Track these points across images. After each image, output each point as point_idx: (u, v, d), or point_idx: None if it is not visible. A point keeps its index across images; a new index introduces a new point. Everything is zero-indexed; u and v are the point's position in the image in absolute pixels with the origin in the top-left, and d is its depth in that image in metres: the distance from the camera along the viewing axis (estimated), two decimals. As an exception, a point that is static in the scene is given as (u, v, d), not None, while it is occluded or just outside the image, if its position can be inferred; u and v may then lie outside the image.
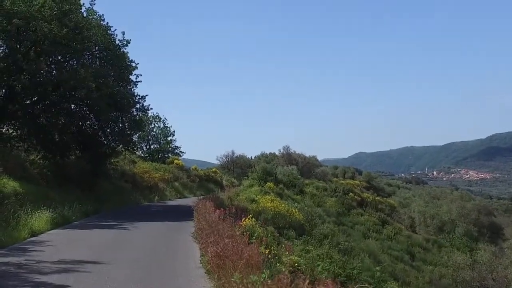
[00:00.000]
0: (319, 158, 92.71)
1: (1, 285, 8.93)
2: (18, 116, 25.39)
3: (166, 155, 58.37)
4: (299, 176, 50.23)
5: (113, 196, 30.41)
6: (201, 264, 11.63)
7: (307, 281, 6.07)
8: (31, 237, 14.93)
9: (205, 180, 58.96)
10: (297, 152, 75.03)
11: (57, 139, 27.69)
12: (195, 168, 62.35)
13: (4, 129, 26.21)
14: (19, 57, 23.39)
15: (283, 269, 10.02)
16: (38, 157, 26.33)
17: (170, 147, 58.73)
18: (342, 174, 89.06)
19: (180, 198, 44.38)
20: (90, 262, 11.42)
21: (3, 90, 25.35)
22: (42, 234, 15.70)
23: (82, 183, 26.98)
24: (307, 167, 70.91)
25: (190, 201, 32.78)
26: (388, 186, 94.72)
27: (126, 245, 14.86)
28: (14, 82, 23.87)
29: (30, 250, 12.92)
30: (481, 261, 28.61)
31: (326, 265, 18.49)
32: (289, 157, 71.01)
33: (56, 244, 13.98)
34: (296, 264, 12.47)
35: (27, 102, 25.97)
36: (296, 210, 30.98)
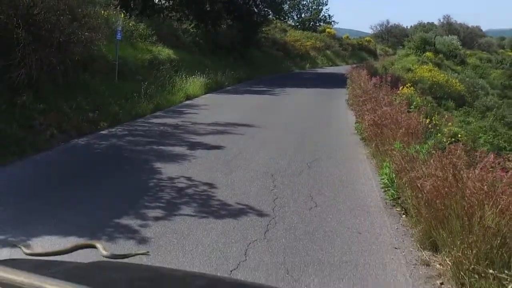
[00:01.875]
0: (483, 28, 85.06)
1: (160, 143, 9.09)
2: (169, -14, 25.65)
3: (318, 24, 56.79)
4: (460, 47, 46.54)
5: (264, 63, 30.38)
6: (356, 131, 11.10)
7: (492, 155, 5.13)
8: (186, 100, 15.23)
9: (357, 49, 57.10)
10: (458, 22, 69.42)
11: (208, 9, 27.74)
12: (347, 37, 60.32)
13: (156, 0, 26.66)
14: None
15: (444, 140, 9.34)
16: (191, 26, 26.64)
17: (321, 15, 56.94)
18: (509, 46, 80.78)
19: (331, 66, 43.56)
20: (243, 125, 11.31)
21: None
22: (196, 98, 15.96)
23: (234, 51, 27.10)
24: (469, 37, 65.67)
25: (342, 69, 31.89)
26: None
27: (279, 110, 14.65)
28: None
29: (185, 112, 13.15)
30: None
31: (489, 137, 16.99)
32: (449, 27, 66.13)
33: (210, 108, 14.12)
34: (459, 135, 11.45)
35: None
36: (456, 81, 29.02)
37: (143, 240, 4.67)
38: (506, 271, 3.64)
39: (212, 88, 18.20)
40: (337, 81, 22.99)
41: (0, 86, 9.05)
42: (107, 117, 10.67)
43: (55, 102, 9.94)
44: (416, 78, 25.53)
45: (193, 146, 8.93)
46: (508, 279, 3.54)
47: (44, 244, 4.43)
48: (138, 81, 13.71)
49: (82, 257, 4.11)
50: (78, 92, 10.91)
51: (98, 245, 4.54)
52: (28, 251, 4.28)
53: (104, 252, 4.47)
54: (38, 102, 9.37)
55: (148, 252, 4.42)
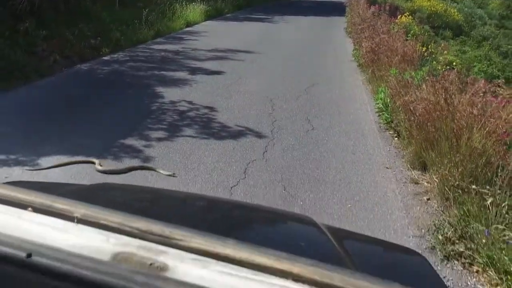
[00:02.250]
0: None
1: (161, 68, 9.22)
2: None
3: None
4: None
5: (264, -9, 29.82)
6: (353, 58, 11.20)
7: (483, 81, 5.32)
8: (186, 27, 15.17)
9: (358, -24, 55.81)
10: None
11: None
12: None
13: None
14: None
15: (439, 68, 9.48)
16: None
17: None
18: (511, -24, 78.80)
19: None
20: (242, 52, 11.40)
21: None
22: (197, 25, 15.89)
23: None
24: (470, -35, 63.82)
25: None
26: None
27: (278, 38, 14.62)
28: None
29: (186, 39, 13.15)
30: None
31: (483, 66, 17.09)
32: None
33: (210, 34, 14.10)
34: (453, 64, 11.57)
35: None
36: (455, 10, 28.62)
37: (147, 159, 4.92)
38: (488, 187, 3.90)
39: (212, 15, 18.06)
40: (336, 9, 22.69)
41: (3, 13, 9.08)
42: (109, 43, 10.74)
43: (57, 28, 10.00)
44: (415, 8, 25.20)
45: (193, 71, 9.09)
46: (489, 194, 3.80)
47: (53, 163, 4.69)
48: (138, 8, 13.64)
49: (89, 179, 4.39)
50: (79, 19, 10.92)
51: (96, 161, 4.86)
52: (32, 169, 4.61)
53: (100, 168, 4.79)
54: (41, 29, 9.43)
55: (175, 174, 4.68)
